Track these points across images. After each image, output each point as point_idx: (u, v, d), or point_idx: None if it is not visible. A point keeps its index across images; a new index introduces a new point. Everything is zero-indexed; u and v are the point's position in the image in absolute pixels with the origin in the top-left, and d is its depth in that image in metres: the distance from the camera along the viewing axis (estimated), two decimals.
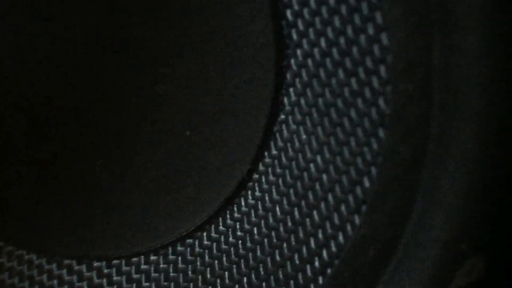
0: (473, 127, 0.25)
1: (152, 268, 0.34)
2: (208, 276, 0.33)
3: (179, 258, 0.34)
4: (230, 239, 0.33)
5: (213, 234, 0.33)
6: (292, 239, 0.31)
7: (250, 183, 0.32)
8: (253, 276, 0.32)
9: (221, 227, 0.33)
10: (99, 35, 0.32)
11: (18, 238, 0.35)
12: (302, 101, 0.30)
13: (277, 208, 0.32)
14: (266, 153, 0.32)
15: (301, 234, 0.31)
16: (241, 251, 0.33)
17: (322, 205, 0.30)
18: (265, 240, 0.32)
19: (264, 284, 0.32)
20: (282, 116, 0.31)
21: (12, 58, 0.33)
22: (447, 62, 0.25)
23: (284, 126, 0.31)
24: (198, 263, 0.34)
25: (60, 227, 0.35)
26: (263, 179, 0.32)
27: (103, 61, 0.33)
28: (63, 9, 0.32)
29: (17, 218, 0.35)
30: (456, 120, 0.25)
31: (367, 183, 0.28)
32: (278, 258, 0.31)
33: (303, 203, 0.31)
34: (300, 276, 0.31)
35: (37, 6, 0.33)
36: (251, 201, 0.32)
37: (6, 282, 0.36)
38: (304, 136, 0.31)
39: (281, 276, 0.31)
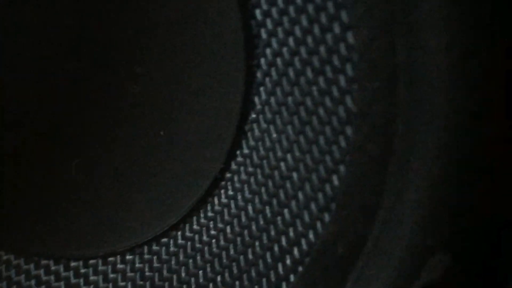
0: (437, 124, 0.25)
1: (128, 268, 0.35)
2: (183, 275, 0.33)
3: (155, 257, 0.34)
4: (204, 237, 0.33)
5: (187, 233, 0.34)
6: (264, 237, 0.31)
7: (223, 182, 0.33)
8: (226, 274, 0.32)
9: (195, 226, 0.33)
10: (71, 36, 0.32)
11: None
12: (272, 100, 0.31)
13: (250, 207, 0.32)
14: (238, 152, 0.32)
15: (272, 232, 0.31)
16: (215, 249, 0.33)
17: (293, 203, 0.30)
18: (238, 238, 0.32)
19: (237, 282, 0.32)
20: (253, 115, 0.31)
21: None
22: (410, 60, 0.25)
23: (255, 125, 0.31)
24: (173, 262, 0.34)
25: (37, 227, 0.35)
26: (236, 178, 0.32)
27: (77, 62, 0.33)
28: (38, 11, 0.33)
29: None
30: (421, 117, 0.25)
31: (336, 181, 0.29)
32: (250, 256, 0.32)
33: (274, 201, 0.31)
34: (272, 274, 0.31)
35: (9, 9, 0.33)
36: (224, 200, 0.33)
37: None
38: (274, 135, 0.31)
39: (254, 274, 0.31)
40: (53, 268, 0.35)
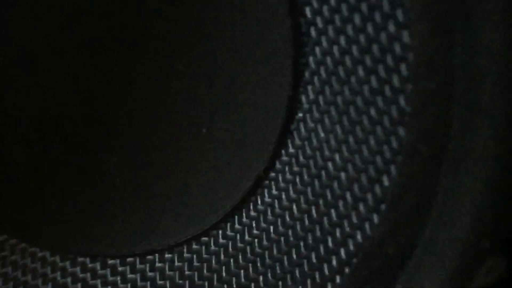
0: (494, 126, 0.25)
1: (167, 266, 0.34)
2: (224, 274, 0.33)
3: (195, 256, 0.34)
4: (247, 237, 0.33)
5: (229, 233, 0.33)
6: (309, 237, 0.31)
7: (267, 181, 0.32)
8: (269, 274, 0.32)
9: (237, 226, 0.33)
10: (113, 32, 0.32)
11: (31, 235, 0.35)
12: (321, 99, 0.30)
13: (294, 207, 0.31)
14: (283, 151, 0.32)
15: (318, 233, 0.31)
16: (257, 249, 0.32)
17: (340, 203, 0.30)
18: (282, 238, 0.32)
19: (280, 283, 0.32)
20: (300, 114, 0.31)
21: (24, 54, 0.33)
22: (468, 61, 0.25)
23: (302, 124, 0.31)
24: (214, 262, 0.33)
25: (75, 225, 0.35)
26: (280, 178, 0.32)
27: (118, 59, 0.33)
28: (78, 4, 0.32)
29: (30, 216, 0.35)
30: (477, 119, 0.25)
31: (386, 182, 0.28)
32: (295, 256, 0.31)
33: (320, 201, 0.31)
34: (317, 275, 0.30)
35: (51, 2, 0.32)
36: (267, 200, 0.32)
37: (19, 279, 0.36)
38: (322, 134, 0.30)
39: (298, 275, 0.31)
40: (89, 265, 0.35)
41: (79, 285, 0.35)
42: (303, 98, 0.31)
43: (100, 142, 0.34)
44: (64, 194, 0.35)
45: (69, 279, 0.35)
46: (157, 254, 0.34)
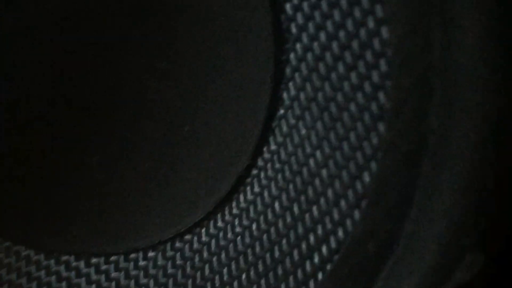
0: (472, 121, 0.25)
1: (151, 264, 0.34)
2: (207, 272, 0.33)
3: (178, 254, 0.34)
4: (229, 235, 0.33)
5: (211, 230, 0.33)
6: (291, 235, 0.31)
7: (249, 179, 0.32)
8: (252, 272, 0.32)
9: (219, 223, 0.33)
10: (94, 31, 0.32)
11: (16, 234, 0.35)
12: (302, 96, 0.30)
13: (276, 204, 0.31)
14: (265, 149, 0.32)
15: (300, 230, 0.31)
16: (240, 247, 0.32)
17: (322, 200, 0.30)
18: (264, 236, 0.32)
19: (263, 280, 0.32)
20: (281, 111, 0.31)
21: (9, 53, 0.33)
22: (446, 56, 0.25)
23: (283, 121, 0.31)
24: (197, 260, 0.33)
25: (58, 223, 0.35)
26: (262, 175, 0.32)
27: (99, 57, 0.33)
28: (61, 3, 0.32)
29: (15, 215, 0.35)
30: (456, 113, 0.25)
31: (367, 178, 0.28)
32: (277, 254, 0.31)
33: (302, 198, 0.30)
34: (299, 272, 0.30)
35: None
36: (250, 197, 0.32)
37: (3, 278, 0.36)
38: (303, 131, 0.30)
39: (280, 272, 0.31)
40: (73, 264, 0.35)
41: (63, 283, 0.35)
42: (285, 95, 0.31)
43: (82, 140, 0.34)
44: (47, 192, 0.34)
45: (53, 278, 0.35)
46: (140, 253, 0.34)
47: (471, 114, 0.25)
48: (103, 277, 0.35)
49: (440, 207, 0.26)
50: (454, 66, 0.25)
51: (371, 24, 0.27)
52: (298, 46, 0.30)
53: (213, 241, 0.33)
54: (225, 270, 0.33)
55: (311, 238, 0.30)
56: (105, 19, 0.32)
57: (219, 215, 0.33)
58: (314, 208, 0.30)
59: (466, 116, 0.25)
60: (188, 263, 0.34)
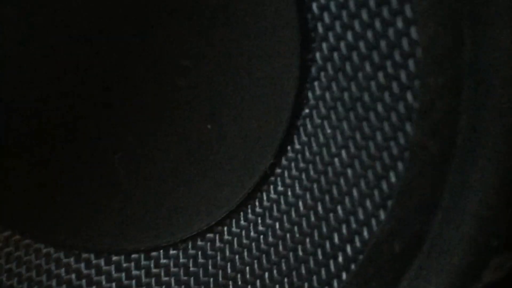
0: (503, 121, 0.25)
1: (172, 263, 0.34)
2: (229, 271, 0.33)
3: (199, 252, 0.34)
4: (252, 233, 0.33)
5: (234, 229, 0.33)
6: (315, 234, 0.31)
7: (273, 178, 0.32)
8: (275, 271, 0.32)
9: (242, 222, 0.33)
10: (119, 28, 0.32)
11: (35, 231, 0.35)
12: (327, 95, 0.30)
13: (300, 203, 0.31)
14: (289, 148, 0.32)
15: (324, 229, 0.30)
16: (263, 246, 0.32)
17: (347, 200, 0.30)
18: (288, 235, 0.32)
19: (286, 279, 0.31)
20: (306, 110, 0.31)
21: (34, 51, 0.33)
22: (477, 56, 0.25)
23: (308, 120, 0.31)
24: (219, 258, 0.33)
25: (79, 221, 0.35)
26: (286, 174, 0.32)
27: (123, 54, 0.32)
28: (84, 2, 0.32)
29: (35, 212, 0.35)
30: (486, 115, 0.25)
31: (393, 178, 0.28)
32: (300, 253, 0.31)
33: (327, 197, 0.30)
34: (323, 272, 0.30)
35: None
36: (273, 196, 0.32)
37: (23, 275, 0.36)
38: (328, 130, 0.30)
39: (303, 271, 0.31)
40: (94, 262, 0.35)
41: (83, 281, 0.35)
42: (310, 94, 0.31)
43: (105, 138, 0.34)
44: (68, 190, 0.34)
45: (73, 275, 0.35)
46: (162, 251, 0.34)
47: (501, 114, 0.25)
48: (123, 275, 0.35)
49: (469, 207, 0.26)
50: (485, 66, 0.25)
51: (399, 24, 0.27)
52: (324, 45, 0.30)
53: (235, 240, 0.33)
54: (247, 269, 0.33)
55: (336, 237, 0.30)
56: (131, 17, 0.32)
57: (242, 214, 0.33)
58: (339, 208, 0.30)
59: (497, 117, 0.25)
60: (210, 261, 0.33)
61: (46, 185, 0.34)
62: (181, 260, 0.34)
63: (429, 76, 0.26)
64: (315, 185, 0.31)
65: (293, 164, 0.32)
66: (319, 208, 0.31)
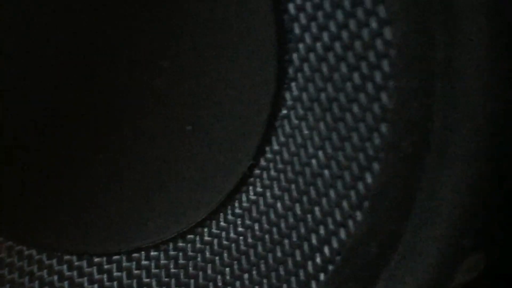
0: (475, 122, 0.25)
1: (153, 264, 0.34)
2: (209, 272, 0.33)
3: (180, 254, 0.34)
4: (232, 234, 0.33)
5: (214, 230, 0.33)
6: (294, 235, 0.31)
7: (252, 179, 0.32)
8: (254, 272, 0.32)
9: (222, 223, 0.33)
10: (98, 30, 0.32)
11: (18, 233, 0.35)
12: (304, 96, 0.30)
13: (279, 204, 0.31)
14: (267, 148, 0.32)
15: (302, 230, 0.30)
16: (242, 247, 0.32)
17: (324, 200, 0.30)
18: (267, 236, 0.32)
19: (265, 280, 0.31)
20: (284, 111, 0.31)
21: (9, 54, 0.33)
22: (449, 57, 0.25)
23: (286, 121, 0.31)
24: (199, 259, 0.33)
25: (61, 223, 0.35)
26: (265, 175, 0.32)
27: (102, 55, 0.32)
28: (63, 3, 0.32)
29: (17, 214, 0.35)
30: (458, 114, 0.25)
31: (369, 179, 0.28)
32: (279, 254, 0.31)
33: (304, 198, 0.30)
34: (301, 273, 0.30)
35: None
36: (252, 197, 0.32)
37: (6, 277, 0.36)
38: (306, 131, 0.30)
39: (282, 272, 0.31)
40: (76, 263, 0.35)
41: (65, 283, 0.35)
42: (287, 95, 0.31)
43: (85, 140, 0.34)
44: (49, 193, 0.34)
45: (55, 277, 0.35)
46: (143, 252, 0.34)
47: (473, 115, 0.25)
48: (105, 276, 0.35)
49: (442, 208, 0.26)
50: (457, 67, 0.25)
51: (374, 24, 0.27)
52: (301, 46, 0.30)
53: (215, 241, 0.33)
54: (227, 270, 0.33)
55: (313, 239, 0.30)
56: (109, 18, 0.32)
57: (221, 215, 0.33)
58: (316, 209, 0.30)
59: (469, 118, 0.25)
60: (190, 262, 0.33)
61: (26, 187, 0.34)
62: (162, 262, 0.34)
63: (403, 76, 0.26)
64: (293, 186, 0.31)
65: (271, 165, 0.32)
66: (297, 209, 0.31)
